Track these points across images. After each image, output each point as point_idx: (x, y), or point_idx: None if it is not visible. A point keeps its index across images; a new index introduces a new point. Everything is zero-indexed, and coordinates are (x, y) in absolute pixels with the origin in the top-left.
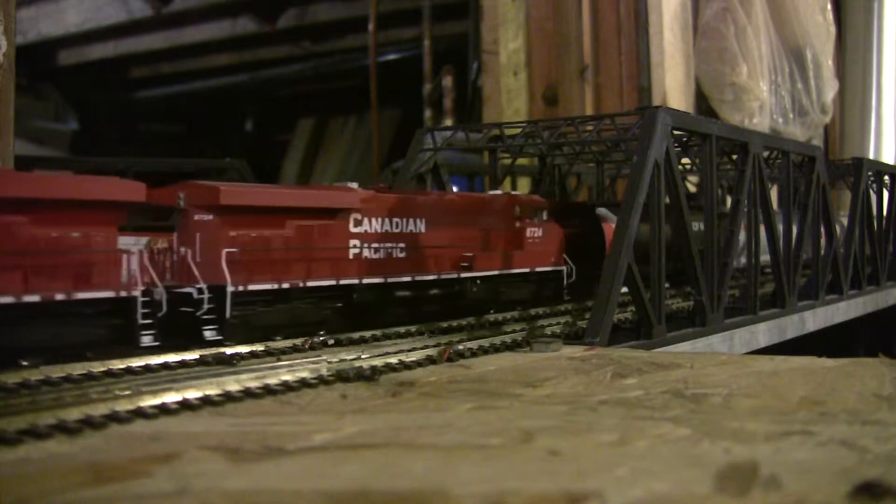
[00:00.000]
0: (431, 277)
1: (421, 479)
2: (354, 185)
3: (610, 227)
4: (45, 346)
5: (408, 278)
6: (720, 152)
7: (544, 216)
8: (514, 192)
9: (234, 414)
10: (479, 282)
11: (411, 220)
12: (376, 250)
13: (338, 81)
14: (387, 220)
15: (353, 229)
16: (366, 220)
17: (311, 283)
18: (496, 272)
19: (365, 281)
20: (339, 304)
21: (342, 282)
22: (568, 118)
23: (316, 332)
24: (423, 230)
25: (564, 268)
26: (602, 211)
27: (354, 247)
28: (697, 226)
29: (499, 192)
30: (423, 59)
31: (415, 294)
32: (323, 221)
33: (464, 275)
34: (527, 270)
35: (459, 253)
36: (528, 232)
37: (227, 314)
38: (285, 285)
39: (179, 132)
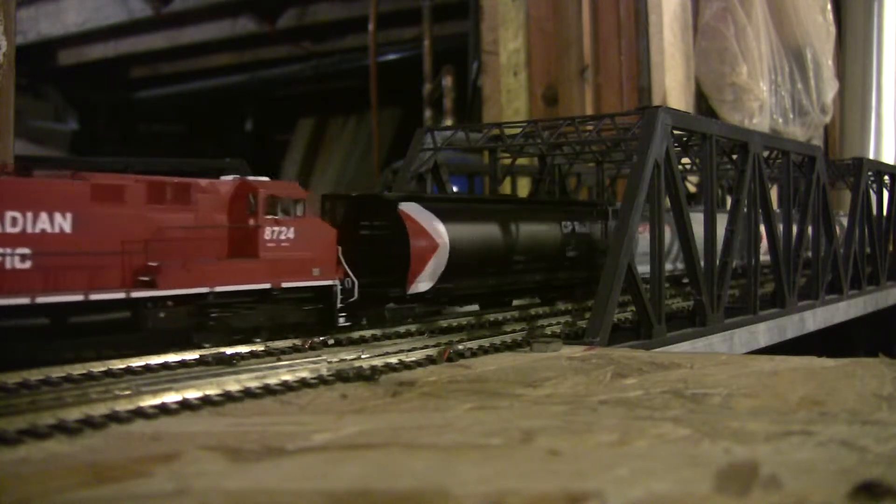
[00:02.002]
0: (75, 298)
1: (421, 479)
2: None
3: (419, 228)
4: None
5: (26, 300)
6: (720, 152)
7: (300, 211)
8: (256, 179)
9: (234, 414)
10: (169, 304)
11: (44, 215)
12: None
13: (338, 81)
14: None
15: None
16: None
17: None
18: (204, 290)
19: None
20: None
21: None
22: (568, 118)
23: None
24: (67, 228)
25: (337, 282)
26: (409, 207)
27: None
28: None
29: (230, 177)
30: (423, 59)
31: (51, 322)
32: None
33: (139, 294)
34: (266, 286)
35: (138, 262)
36: (270, 232)
37: None
38: None
39: (179, 132)
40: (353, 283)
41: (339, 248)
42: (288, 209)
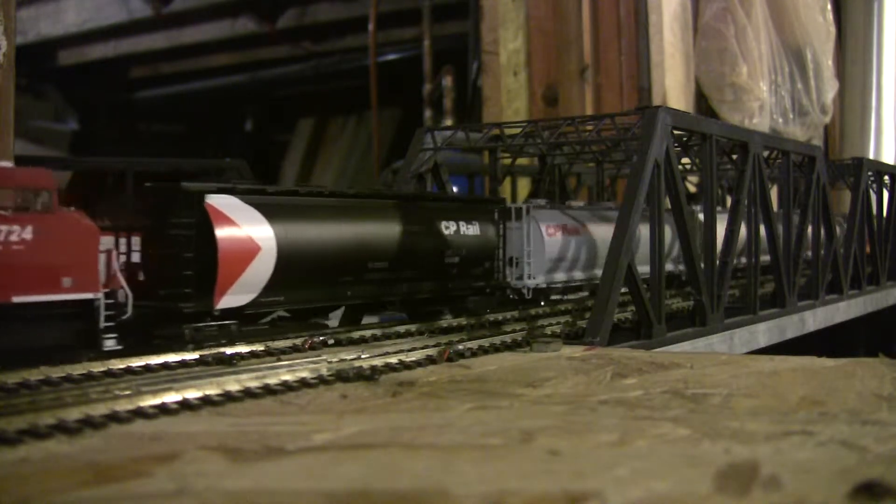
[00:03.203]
0: None
1: (421, 479)
2: None
3: (231, 226)
4: None
5: None
6: (720, 152)
7: (40, 205)
8: None
9: (234, 414)
10: None
11: None
12: None
13: (338, 81)
14: None
15: None
16: None
17: None
18: None
19: None
20: None
21: None
22: (568, 118)
23: None
24: None
25: (99, 296)
26: (220, 200)
27: None
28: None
29: None
30: (423, 59)
31: None
32: None
33: None
34: None
35: None
36: None
37: None
38: None
39: (179, 132)
40: (127, 296)
41: (114, 253)
42: (30, 202)
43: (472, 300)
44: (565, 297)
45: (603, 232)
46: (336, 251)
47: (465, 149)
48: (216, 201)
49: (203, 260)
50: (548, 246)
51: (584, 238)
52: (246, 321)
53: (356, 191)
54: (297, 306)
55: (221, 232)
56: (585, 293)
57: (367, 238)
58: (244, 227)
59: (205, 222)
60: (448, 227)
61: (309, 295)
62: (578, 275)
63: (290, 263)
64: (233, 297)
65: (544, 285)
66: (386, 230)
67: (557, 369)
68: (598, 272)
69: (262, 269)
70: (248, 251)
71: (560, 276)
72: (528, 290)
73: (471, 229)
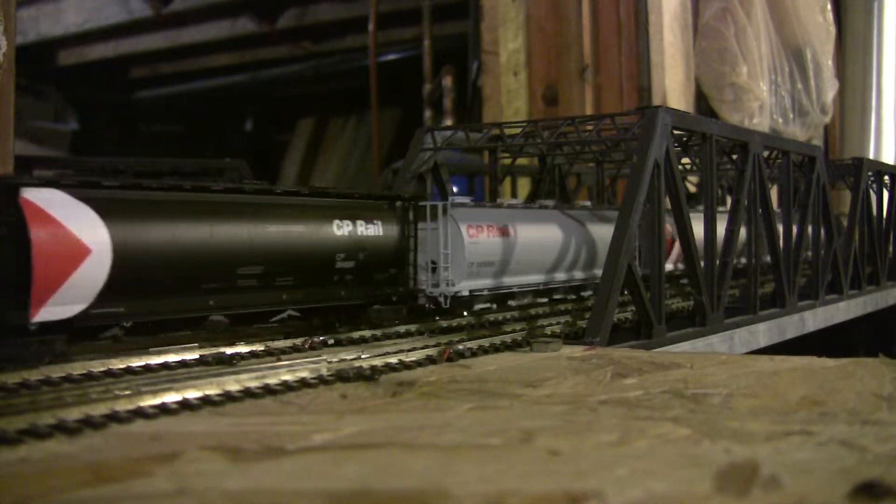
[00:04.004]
0: None
1: (421, 479)
2: None
3: (53, 224)
4: None
5: None
6: (720, 152)
7: None
8: None
9: (234, 414)
10: None
11: None
12: None
13: (338, 81)
14: None
15: None
16: None
17: None
18: None
19: None
20: None
21: None
22: (568, 118)
23: None
24: None
25: None
26: (40, 195)
27: None
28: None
29: None
30: (423, 59)
31: None
32: None
33: None
34: None
35: None
36: None
37: None
38: None
39: (179, 132)
40: None
41: None
42: None
43: (374, 310)
44: (494, 307)
45: (544, 233)
46: (193, 254)
47: (465, 149)
48: (35, 196)
49: (16, 264)
50: (469, 248)
51: (518, 239)
52: (81, 336)
53: (225, 185)
54: (143, 318)
55: (39, 231)
56: (525, 300)
57: (237, 239)
58: (70, 225)
59: (19, 220)
60: (341, 227)
61: (158, 305)
62: (511, 280)
63: (130, 269)
64: (55, 309)
65: (466, 293)
66: (260, 230)
67: (557, 369)
68: (537, 278)
69: (93, 275)
70: (74, 254)
71: (487, 283)
72: (444, 299)
73: (371, 229)
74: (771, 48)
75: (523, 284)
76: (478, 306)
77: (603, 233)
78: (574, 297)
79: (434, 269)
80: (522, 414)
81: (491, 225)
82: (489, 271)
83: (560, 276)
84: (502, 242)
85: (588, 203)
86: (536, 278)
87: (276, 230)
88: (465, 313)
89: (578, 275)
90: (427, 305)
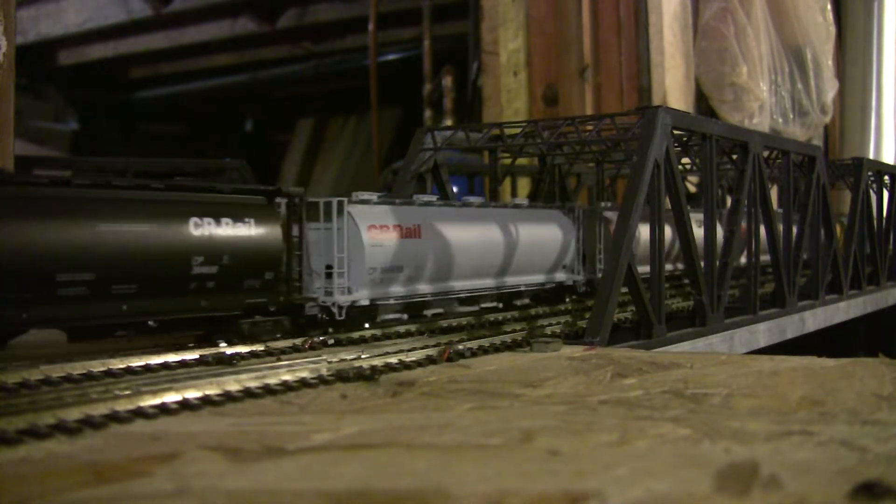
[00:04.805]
0: None
1: (421, 479)
2: None
3: None
4: None
5: None
6: (720, 152)
7: None
8: None
9: (234, 414)
10: None
11: None
12: None
13: (338, 81)
14: None
15: None
16: None
17: None
18: None
19: None
20: None
21: None
22: (568, 118)
23: None
24: None
25: None
26: None
27: None
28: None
29: None
30: (423, 59)
31: None
32: None
33: None
34: None
35: None
36: None
37: None
38: None
39: (179, 132)
40: None
41: None
42: None
43: (247, 323)
44: (405, 317)
45: (466, 234)
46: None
47: (465, 149)
48: None
49: None
50: (371, 252)
51: (433, 241)
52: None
53: (51, 177)
54: None
55: None
56: (439, 309)
57: (56, 241)
58: None
59: None
60: (199, 226)
61: None
62: (426, 288)
63: None
64: None
65: (366, 302)
66: (88, 230)
67: (557, 369)
68: (458, 284)
69: None
70: None
71: (395, 291)
72: (339, 309)
73: (241, 229)
74: (771, 48)
75: (441, 293)
76: (384, 317)
77: (537, 233)
78: (501, 305)
79: (330, 276)
80: (522, 414)
81: (399, 225)
82: (397, 278)
83: (487, 282)
84: (414, 245)
85: (524, 201)
86: (457, 285)
87: (109, 230)
88: (367, 325)
89: (511, 280)
90: (320, 316)
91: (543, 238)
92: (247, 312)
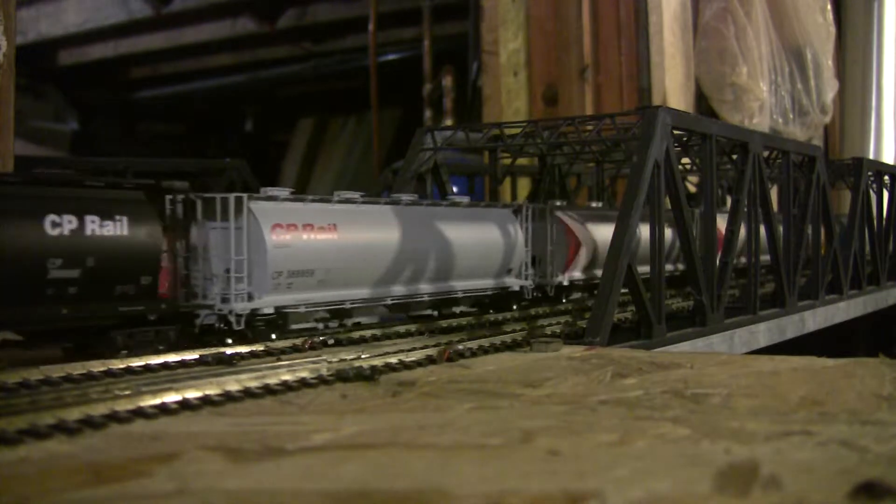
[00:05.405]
0: None
1: (421, 479)
2: None
3: None
4: None
5: None
6: (720, 152)
7: None
8: None
9: (234, 414)
10: None
11: None
12: None
13: (338, 81)
14: None
15: None
16: None
17: None
18: None
19: None
20: None
21: None
22: (568, 118)
23: None
24: None
25: None
26: None
27: None
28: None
29: None
30: (423, 59)
31: None
32: None
33: None
34: None
35: None
36: None
37: None
38: None
39: (179, 132)
40: None
41: None
42: None
43: (122, 335)
44: (321, 327)
45: (389, 235)
46: None
47: (465, 149)
48: None
49: None
50: (275, 254)
51: (351, 242)
52: None
53: None
54: None
55: None
56: (365, 318)
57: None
58: None
59: None
60: (59, 225)
61: None
62: (344, 294)
63: None
64: None
65: (270, 310)
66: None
67: (557, 369)
68: (380, 290)
69: None
70: None
71: (306, 297)
72: (237, 318)
73: (110, 228)
74: (771, 48)
75: (364, 299)
76: (296, 326)
77: (477, 235)
78: (437, 314)
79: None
80: (522, 414)
81: (310, 224)
82: (309, 282)
83: (419, 287)
84: (327, 246)
85: (465, 199)
86: (383, 291)
87: None
88: (274, 336)
89: (447, 286)
90: (217, 325)
91: (485, 240)
92: (123, 322)
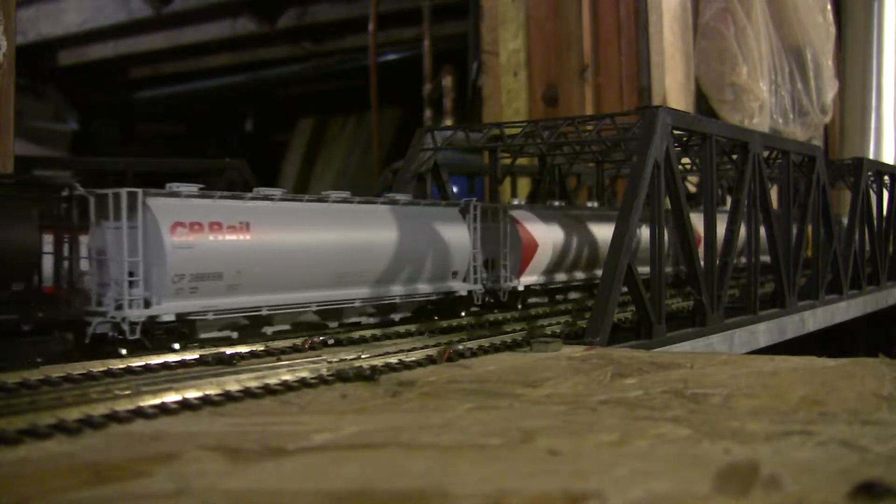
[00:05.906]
0: None
1: (421, 479)
2: None
3: None
4: None
5: None
6: (720, 152)
7: None
8: None
9: (234, 414)
10: None
11: None
12: None
13: (338, 81)
14: None
15: None
16: None
17: None
18: None
19: None
20: None
21: None
22: (568, 118)
23: None
24: None
25: None
26: None
27: None
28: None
29: None
30: (423, 59)
31: None
32: None
33: None
34: None
35: None
36: None
37: None
38: None
39: (179, 132)
40: None
41: None
42: None
43: None
44: (235, 336)
45: (310, 236)
46: None
47: (465, 149)
48: None
49: None
50: (176, 255)
51: (268, 243)
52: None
53: None
54: None
55: None
56: (286, 326)
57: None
58: None
59: None
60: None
61: None
62: (259, 299)
63: None
64: None
65: (171, 317)
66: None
67: (557, 369)
68: (313, 294)
69: None
70: None
71: (215, 303)
72: (130, 326)
73: None
74: (771, 48)
75: (284, 305)
76: (205, 335)
77: (416, 235)
78: (376, 321)
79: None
80: (522, 414)
81: (218, 223)
82: (217, 287)
83: (350, 293)
84: (238, 247)
85: (404, 196)
86: (306, 296)
87: None
88: (177, 346)
89: (382, 291)
90: (111, 334)
91: (425, 240)
92: None
